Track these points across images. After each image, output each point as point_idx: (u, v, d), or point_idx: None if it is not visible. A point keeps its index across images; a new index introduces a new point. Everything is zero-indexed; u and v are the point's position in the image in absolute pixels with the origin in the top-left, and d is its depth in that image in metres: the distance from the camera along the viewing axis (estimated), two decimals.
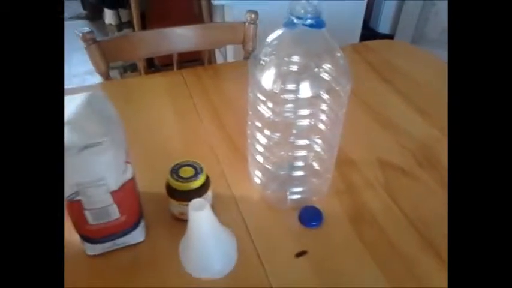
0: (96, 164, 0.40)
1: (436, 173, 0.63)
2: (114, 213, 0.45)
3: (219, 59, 1.91)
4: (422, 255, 0.51)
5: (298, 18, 0.42)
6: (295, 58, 0.45)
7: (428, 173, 0.63)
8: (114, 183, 0.43)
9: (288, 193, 0.56)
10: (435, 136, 0.71)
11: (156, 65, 1.98)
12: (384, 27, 2.38)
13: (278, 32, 0.46)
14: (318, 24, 0.42)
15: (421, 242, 0.52)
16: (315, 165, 0.56)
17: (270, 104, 0.47)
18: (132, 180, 0.47)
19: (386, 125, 0.73)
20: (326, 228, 0.54)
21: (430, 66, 0.94)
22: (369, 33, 2.29)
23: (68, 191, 0.41)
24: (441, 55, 0.96)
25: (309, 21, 0.42)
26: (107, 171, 0.42)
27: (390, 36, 2.29)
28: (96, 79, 0.90)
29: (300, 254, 0.50)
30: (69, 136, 0.38)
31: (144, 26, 1.78)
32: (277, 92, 0.45)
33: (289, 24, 0.43)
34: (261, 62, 0.46)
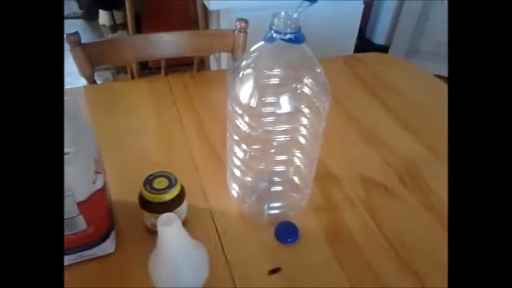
0: None
1: (420, 194, 0.62)
2: (81, 224, 0.44)
3: (213, 65, 1.90)
4: (400, 277, 0.49)
5: (277, 32, 0.41)
6: (274, 72, 0.44)
7: (412, 193, 0.62)
8: (81, 194, 0.42)
9: (265, 207, 0.55)
10: (422, 154, 0.70)
11: (150, 67, 1.97)
12: (379, 38, 2.38)
13: (258, 45, 0.45)
14: (298, 39, 0.41)
15: (398, 264, 0.51)
16: (295, 179, 0.55)
17: (247, 118, 0.46)
18: (102, 190, 0.46)
19: (371, 140, 0.72)
20: (302, 244, 0.53)
21: (421, 83, 0.94)
22: (364, 43, 2.29)
23: None
24: (435, 68, 0.96)
25: (288, 36, 0.41)
26: (73, 182, 0.40)
27: (385, 48, 2.29)
28: (82, 81, 0.89)
29: (274, 272, 0.49)
30: None
31: (138, 29, 1.77)
32: (253, 106, 0.44)
33: (268, 38, 0.42)
34: (239, 74, 0.45)
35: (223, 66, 1.71)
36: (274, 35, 0.41)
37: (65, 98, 0.44)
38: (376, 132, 0.74)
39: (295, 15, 0.41)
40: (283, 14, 0.41)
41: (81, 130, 0.43)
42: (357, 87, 0.88)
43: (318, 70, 0.45)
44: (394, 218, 0.57)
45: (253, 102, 0.44)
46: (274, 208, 0.55)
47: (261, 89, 0.44)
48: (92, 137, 0.44)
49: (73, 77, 1.94)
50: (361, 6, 1.64)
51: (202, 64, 1.76)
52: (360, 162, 0.67)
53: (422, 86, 0.92)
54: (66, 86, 0.79)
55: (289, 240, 0.52)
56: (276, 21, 0.41)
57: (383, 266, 0.51)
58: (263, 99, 0.44)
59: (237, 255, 0.51)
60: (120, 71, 2.01)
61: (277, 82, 0.45)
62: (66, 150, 0.38)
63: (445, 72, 0.95)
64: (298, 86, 0.44)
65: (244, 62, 0.45)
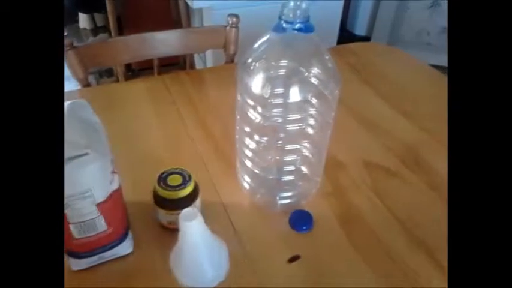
0: (81, 176, 0.39)
1: (421, 173, 0.64)
2: (101, 225, 0.43)
3: (198, 63, 1.89)
4: (413, 254, 0.51)
5: (287, 22, 0.42)
6: (284, 62, 0.45)
7: (414, 173, 0.64)
8: (100, 195, 0.41)
9: (277, 197, 0.56)
10: (418, 136, 0.72)
11: (133, 69, 1.94)
12: (360, 29, 2.42)
13: (266, 37, 0.45)
14: (307, 28, 0.42)
15: (410, 241, 0.53)
16: (304, 169, 0.56)
17: (260, 109, 0.46)
18: (119, 190, 0.45)
19: (370, 126, 0.74)
20: (317, 231, 0.54)
21: (408, 67, 0.96)
22: (346, 35, 2.32)
23: None
24: (416, 56, 0.99)
25: (298, 25, 0.42)
26: (93, 183, 0.40)
27: (367, 38, 2.33)
28: (72, 85, 0.87)
29: (293, 259, 0.50)
30: None
31: (120, 31, 1.74)
32: (266, 96, 0.45)
33: (278, 29, 0.43)
34: (250, 66, 0.45)
35: (209, 64, 1.71)
36: (284, 25, 0.42)
37: (73, 100, 0.43)
38: (373, 118, 0.76)
39: (304, 5, 0.41)
40: (292, 4, 0.41)
41: (94, 131, 0.42)
42: (350, 76, 0.89)
43: (326, 57, 0.46)
44: (400, 197, 0.59)
45: (265, 93, 0.44)
46: (286, 198, 0.56)
47: (272, 79, 0.45)
48: (105, 137, 0.43)
49: (69, 81, 1.89)
50: None
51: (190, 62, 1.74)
52: (361, 148, 0.69)
53: (411, 71, 0.95)
54: None
55: (304, 228, 0.53)
56: (285, 11, 0.41)
57: (395, 243, 0.52)
58: (275, 89, 0.45)
59: (255, 246, 0.51)
60: (103, 74, 1.97)
61: (287, 72, 0.46)
62: (84, 151, 0.38)
63: (427, 59, 0.98)
64: (309, 75, 0.45)
65: (254, 55, 0.46)
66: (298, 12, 0.41)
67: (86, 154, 0.38)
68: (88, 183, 0.40)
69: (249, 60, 0.46)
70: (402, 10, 2.15)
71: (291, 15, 0.42)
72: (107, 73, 1.95)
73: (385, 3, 2.18)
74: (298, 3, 0.41)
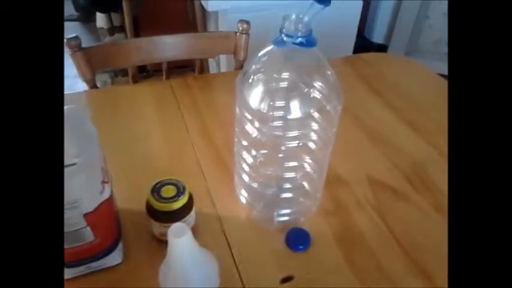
0: (68, 186, 0.38)
1: (429, 194, 0.61)
2: (89, 236, 0.42)
3: (212, 66, 1.89)
4: (414, 281, 0.49)
5: (288, 36, 0.40)
6: (284, 76, 0.43)
7: (421, 194, 0.61)
8: (88, 205, 0.40)
9: (275, 214, 0.54)
10: (429, 154, 0.69)
11: (148, 70, 1.95)
12: (378, 36, 2.37)
13: (267, 49, 0.44)
14: (309, 42, 0.40)
15: (412, 267, 0.50)
16: (305, 185, 0.54)
17: (257, 124, 0.45)
18: (110, 200, 0.44)
19: (378, 141, 0.71)
20: (314, 251, 0.51)
21: (424, 81, 0.93)
22: (363, 42, 2.28)
23: None
24: (434, 66, 0.95)
25: (299, 40, 0.40)
26: (80, 193, 0.39)
27: (384, 46, 2.29)
28: (83, 85, 0.87)
29: (286, 280, 0.48)
30: None
31: (136, 31, 1.75)
32: (264, 111, 0.43)
33: (278, 42, 0.41)
34: (249, 79, 0.44)
35: (223, 68, 1.70)
36: (285, 38, 0.40)
37: (70, 106, 0.43)
38: (381, 133, 0.73)
39: (306, 18, 0.39)
40: (293, 17, 0.40)
41: (87, 139, 0.41)
42: (361, 87, 0.87)
43: (329, 72, 0.44)
44: (404, 219, 0.57)
45: (263, 107, 0.43)
46: (284, 215, 0.54)
47: (271, 94, 0.43)
48: (97, 147, 0.42)
49: (72, 80, 1.92)
50: (360, 5, 1.63)
51: (202, 66, 1.74)
52: (367, 164, 0.66)
53: (425, 83, 0.92)
54: (65, 90, 0.77)
55: (300, 247, 0.51)
56: (286, 24, 0.40)
57: (396, 269, 0.50)
58: (273, 104, 0.43)
59: (248, 263, 0.50)
60: (118, 73, 1.99)
61: (288, 86, 0.44)
62: (73, 160, 0.37)
63: (444, 70, 0.94)
64: (310, 90, 0.43)
65: (254, 67, 0.44)
66: (300, 25, 0.40)
67: (73, 164, 0.37)
68: (75, 193, 0.39)
69: (249, 72, 0.44)
70: (422, 19, 2.10)
71: (292, 28, 0.40)
72: (122, 72, 1.97)
73: (405, 11, 2.14)
74: (301, 16, 0.40)
